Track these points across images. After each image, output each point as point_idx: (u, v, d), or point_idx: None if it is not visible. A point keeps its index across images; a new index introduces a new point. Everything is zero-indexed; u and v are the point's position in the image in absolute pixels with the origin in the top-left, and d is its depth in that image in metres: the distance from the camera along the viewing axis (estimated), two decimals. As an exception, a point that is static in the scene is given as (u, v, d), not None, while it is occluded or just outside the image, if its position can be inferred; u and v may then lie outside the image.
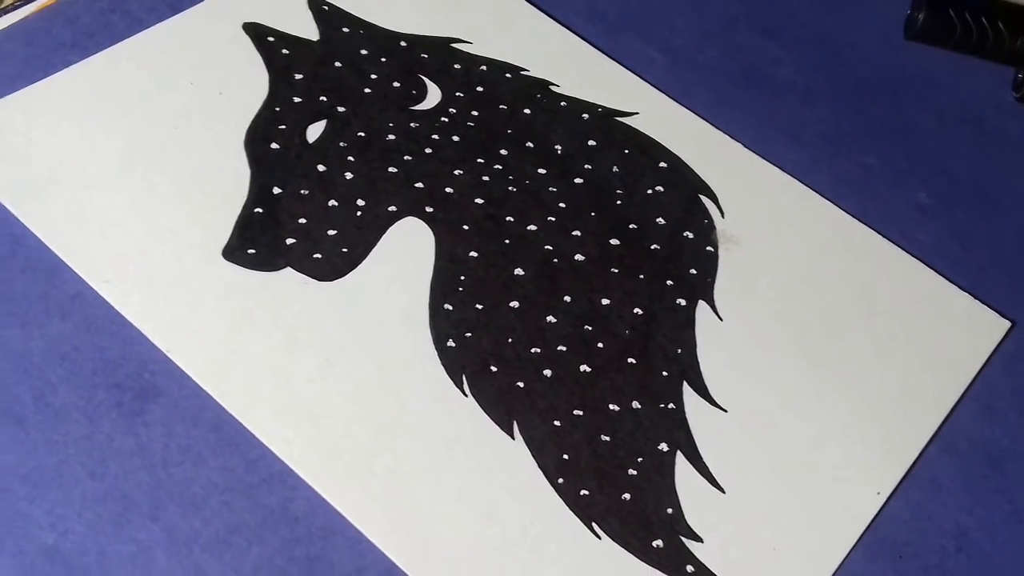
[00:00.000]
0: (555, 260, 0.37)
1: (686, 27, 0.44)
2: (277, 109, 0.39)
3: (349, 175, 0.37)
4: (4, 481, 0.29)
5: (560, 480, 0.32)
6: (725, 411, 0.34)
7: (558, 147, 0.40)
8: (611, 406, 0.34)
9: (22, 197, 0.35)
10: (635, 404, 0.34)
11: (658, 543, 0.31)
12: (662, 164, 0.40)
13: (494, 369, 0.34)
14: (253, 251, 0.35)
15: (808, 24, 0.45)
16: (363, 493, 0.31)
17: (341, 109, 0.39)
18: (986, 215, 0.41)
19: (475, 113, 0.40)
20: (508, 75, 0.42)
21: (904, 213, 0.40)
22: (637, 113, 0.41)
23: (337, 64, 0.40)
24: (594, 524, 0.31)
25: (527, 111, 0.41)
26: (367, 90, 0.40)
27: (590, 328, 0.35)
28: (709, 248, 0.38)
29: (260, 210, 0.36)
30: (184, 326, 0.33)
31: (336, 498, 0.31)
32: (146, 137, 0.37)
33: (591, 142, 0.40)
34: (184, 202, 0.36)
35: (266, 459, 0.31)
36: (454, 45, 0.42)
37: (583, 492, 0.32)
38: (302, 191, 0.37)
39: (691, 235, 0.38)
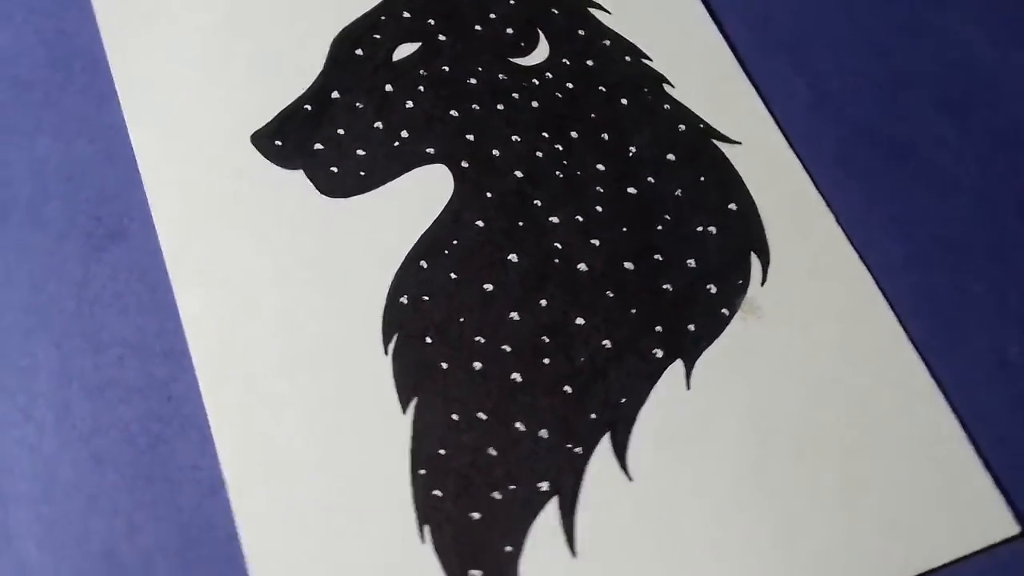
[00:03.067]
0: (556, 260, 0.35)
1: (855, 69, 0.39)
2: (382, 18, 0.40)
3: (410, 104, 0.38)
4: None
5: (422, 471, 0.32)
6: (630, 480, 0.32)
7: (632, 148, 0.38)
8: (517, 424, 0.33)
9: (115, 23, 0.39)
10: (543, 432, 0.33)
11: (475, 574, 0.30)
12: (732, 206, 0.37)
13: (428, 340, 0.34)
14: (280, 143, 0.37)
15: (1003, 113, 0.38)
16: (235, 399, 0.33)
17: (442, 38, 0.40)
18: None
19: (570, 86, 0.39)
20: (628, 58, 0.40)
21: (980, 360, 0.34)
22: (739, 143, 0.38)
23: (465, -9, 0.41)
24: (426, 527, 0.31)
25: (624, 101, 0.39)
26: (477, 27, 0.40)
27: (547, 341, 0.34)
28: (725, 311, 0.35)
29: (309, 107, 0.38)
30: (178, 185, 0.36)
31: (209, 392, 0.33)
32: (250, 5, 0.40)
33: (670, 156, 0.38)
34: (249, 75, 0.39)
35: (179, 335, 0.34)
36: (591, 9, 0.41)
37: (436, 492, 0.32)
38: (357, 103, 0.38)
39: (714, 289, 0.35)
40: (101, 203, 0.36)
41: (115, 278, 0.34)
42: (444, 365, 0.34)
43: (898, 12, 0.41)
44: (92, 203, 0.36)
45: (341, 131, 0.38)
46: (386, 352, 0.34)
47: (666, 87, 0.39)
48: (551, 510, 0.31)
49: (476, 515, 0.31)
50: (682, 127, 0.38)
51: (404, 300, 0.35)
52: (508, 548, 0.31)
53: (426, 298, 0.35)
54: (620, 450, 0.32)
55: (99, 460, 0.32)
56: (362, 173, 0.37)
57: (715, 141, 0.38)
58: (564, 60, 0.40)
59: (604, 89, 0.39)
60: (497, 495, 0.32)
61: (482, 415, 0.33)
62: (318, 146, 0.37)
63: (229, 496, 0.31)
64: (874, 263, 0.35)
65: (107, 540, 0.31)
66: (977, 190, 0.37)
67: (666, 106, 0.39)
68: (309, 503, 0.32)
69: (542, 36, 0.40)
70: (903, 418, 0.33)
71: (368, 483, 0.32)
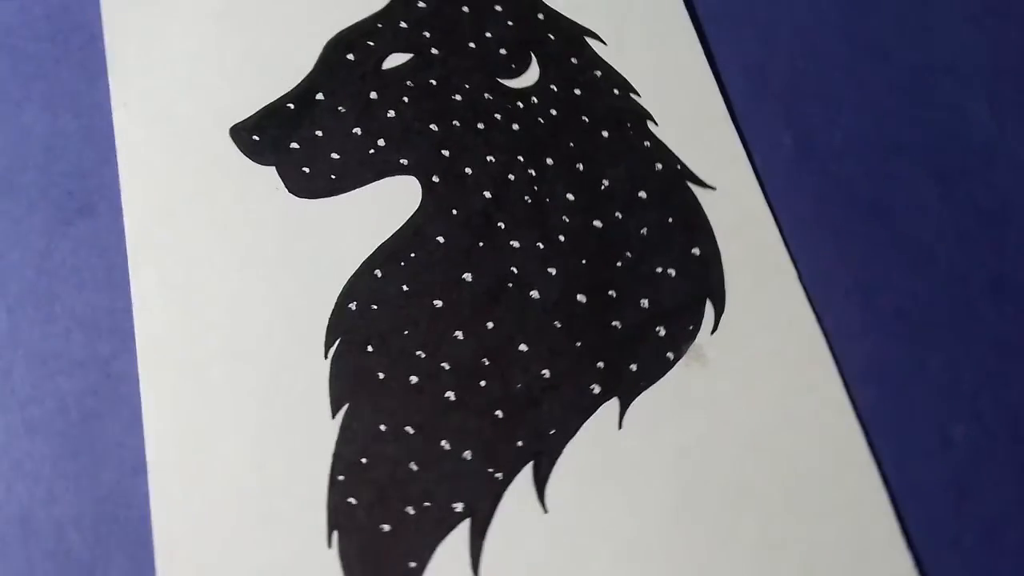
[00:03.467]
0: (510, 284, 0.36)
1: (845, 127, 0.39)
2: (379, 25, 0.41)
3: (391, 113, 0.39)
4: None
5: (340, 477, 0.32)
6: (546, 512, 0.32)
7: (605, 182, 0.38)
8: (443, 442, 0.33)
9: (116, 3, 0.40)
10: (466, 453, 0.33)
11: (375, 586, 0.31)
12: (695, 250, 0.36)
13: (370, 349, 0.34)
14: (257, 139, 0.38)
15: (993, 189, 0.38)
16: (170, 383, 0.33)
17: (435, 51, 0.40)
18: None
19: (553, 112, 0.39)
20: (616, 91, 0.40)
21: (923, 436, 0.33)
22: (714, 188, 0.38)
23: (464, 9, 0.41)
24: (335, 533, 0.31)
25: (604, 134, 0.39)
26: (471, 45, 0.40)
27: (487, 363, 0.34)
28: (670, 354, 0.34)
29: (292, 106, 0.39)
30: (150, 168, 0.37)
31: (146, 373, 0.33)
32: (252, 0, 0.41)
33: (641, 193, 0.37)
34: (240, 69, 0.39)
35: (128, 315, 0.34)
36: (588, 39, 0.41)
37: (350, 499, 0.32)
38: (340, 107, 0.39)
39: (663, 332, 0.35)
40: (76, 178, 0.37)
41: (76, 253, 0.35)
42: (381, 375, 0.34)
43: (900, 76, 0.40)
44: (68, 177, 0.37)
45: (319, 133, 0.38)
46: (325, 356, 0.34)
47: (650, 124, 0.39)
48: (462, 532, 0.31)
49: (387, 527, 0.31)
50: (659, 166, 0.38)
51: (352, 306, 0.35)
52: (412, 564, 0.31)
53: (375, 307, 0.35)
54: (541, 481, 0.32)
55: (30, 427, 0.33)
56: (333, 176, 0.37)
57: (690, 184, 0.38)
58: (552, 86, 0.40)
59: (587, 119, 0.39)
60: (410, 510, 0.32)
61: (410, 429, 0.33)
62: (294, 145, 0.38)
63: (148, 478, 0.32)
64: (831, 326, 0.35)
65: (25, 506, 0.32)
66: (950, 265, 0.36)
67: (646, 143, 0.39)
68: (225, 494, 0.32)
69: (534, 60, 0.40)
70: (833, 485, 0.32)
71: (286, 483, 0.32)
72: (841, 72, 0.40)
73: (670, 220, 0.37)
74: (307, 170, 0.37)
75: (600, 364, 0.34)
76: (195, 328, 0.34)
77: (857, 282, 0.36)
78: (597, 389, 0.34)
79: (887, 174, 0.38)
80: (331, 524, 0.31)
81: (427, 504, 0.32)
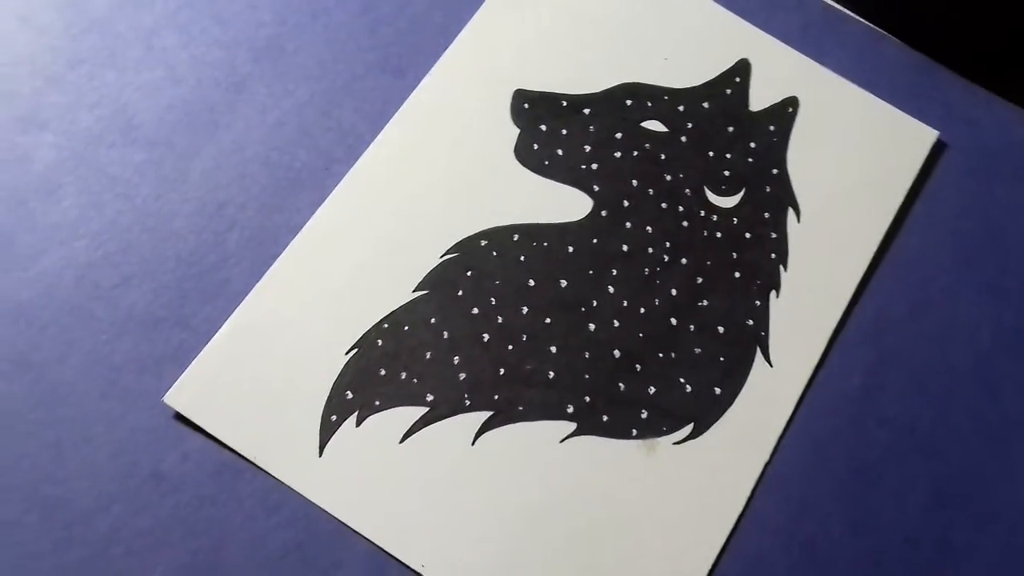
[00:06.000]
0: (582, 309, 0.47)
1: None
2: (665, 97, 0.52)
3: (617, 155, 0.50)
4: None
5: (385, 325, 0.45)
6: (472, 446, 0.43)
7: (704, 302, 0.48)
8: (456, 358, 0.45)
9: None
10: (461, 375, 0.45)
11: (349, 394, 0.44)
12: (717, 390, 0.46)
13: (468, 274, 0.47)
14: (527, 107, 0.51)
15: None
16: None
17: (683, 140, 0.51)
18: None
19: (718, 235, 0.49)
20: (772, 255, 0.49)
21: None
22: (771, 366, 0.46)
23: (730, 129, 0.52)
24: (355, 350, 0.45)
25: (737, 275, 0.48)
26: (711, 154, 0.51)
27: (524, 339, 0.46)
28: (635, 431, 0.44)
29: (565, 104, 0.51)
30: (512, 67, 0.51)
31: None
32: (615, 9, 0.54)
33: (719, 328, 0.47)
34: (563, 58, 0.53)
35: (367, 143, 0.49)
36: (791, 208, 0.50)
37: (379, 340, 0.45)
38: (591, 127, 0.51)
39: (644, 415, 0.45)
40: (407, 44, 0.52)
41: (362, 97, 0.50)
42: (459, 292, 0.46)
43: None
44: (403, 37, 0.51)
45: (564, 132, 0.51)
46: (440, 256, 0.47)
47: (773, 293, 0.48)
48: (418, 411, 0.44)
49: (383, 372, 0.44)
50: (750, 322, 0.47)
51: (483, 242, 0.48)
52: (376, 402, 0.44)
53: (495, 254, 0.47)
54: (484, 428, 0.44)
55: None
56: (546, 163, 0.50)
57: (758, 348, 0.47)
58: (735, 219, 0.50)
59: (735, 255, 0.49)
60: (403, 375, 0.44)
61: (445, 334, 0.46)
62: (543, 127, 0.51)
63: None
64: (752, 509, 0.43)
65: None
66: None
67: (757, 302, 0.48)
68: (339, 265, 0.46)
69: (742, 194, 0.50)
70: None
71: (363, 302, 0.46)
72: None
73: (721, 359, 0.46)
74: (536, 147, 0.50)
75: (587, 398, 0.45)
76: (396, 177, 0.48)
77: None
78: (571, 409, 0.45)
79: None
80: (357, 344, 0.45)
81: (415, 380, 0.44)
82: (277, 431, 0.43)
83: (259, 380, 0.44)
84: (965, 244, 0.49)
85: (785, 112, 0.52)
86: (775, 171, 0.51)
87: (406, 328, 0.45)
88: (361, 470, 0.43)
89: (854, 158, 0.51)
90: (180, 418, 0.42)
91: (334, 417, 0.43)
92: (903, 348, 0.47)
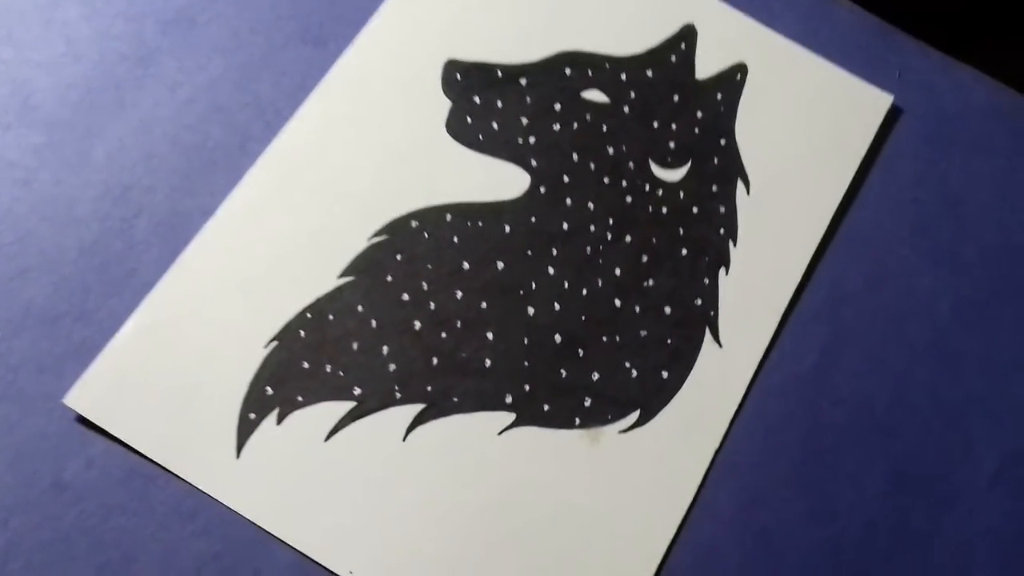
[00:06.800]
0: (520, 291, 0.44)
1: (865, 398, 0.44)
2: (607, 65, 0.50)
3: (556, 127, 0.48)
4: None
5: (308, 315, 0.43)
6: (403, 441, 0.41)
7: (650, 282, 0.45)
8: (385, 347, 0.42)
9: None
10: (391, 366, 0.42)
11: (268, 390, 0.41)
12: (664, 374, 0.43)
13: (398, 258, 0.44)
14: (459, 79, 0.48)
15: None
16: (266, 184, 0.45)
17: (626, 110, 0.49)
18: None
19: (664, 211, 0.47)
20: (721, 231, 0.47)
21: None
22: (720, 347, 0.44)
23: (675, 97, 0.50)
24: (275, 342, 0.42)
25: (683, 252, 0.46)
26: (655, 124, 0.49)
27: (458, 325, 0.43)
28: (577, 419, 0.42)
29: (500, 74, 0.49)
30: (382, 45, 0.49)
31: (262, 164, 0.45)
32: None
33: (666, 309, 0.45)
34: (496, 25, 0.50)
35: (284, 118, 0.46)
36: (740, 180, 0.48)
37: (301, 331, 0.42)
38: (528, 98, 0.48)
39: (588, 403, 0.42)
40: (330, 15, 0.49)
41: (284, 68, 0.47)
42: (389, 278, 0.44)
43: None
44: (325, 8, 0.49)
45: (499, 104, 0.48)
46: (367, 239, 0.44)
47: (722, 270, 0.46)
48: (344, 407, 0.41)
49: (306, 364, 0.42)
50: (698, 301, 0.45)
51: (413, 223, 0.45)
52: (299, 398, 0.41)
53: (426, 235, 0.45)
54: (416, 422, 0.41)
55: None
56: (480, 137, 0.47)
57: (708, 330, 0.45)
58: (681, 192, 0.47)
59: (681, 231, 0.47)
60: (328, 367, 0.42)
61: (374, 323, 0.43)
62: (476, 99, 0.48)
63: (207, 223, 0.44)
64: (703, 500, 0.41)
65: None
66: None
67: (705, 280, 0.46)
68: (241, 265, 0.43)
69: (688, 166, 0.48)
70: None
71: (281, 297, 0.43)
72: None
73: (668, 341, 0.44)
74: (469, 120, 0.48)
75: (527, 387, 0.42)
76: (317, 155, 0.46)
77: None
78: (509, 399, 0.42)
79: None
80: (277, 336, 0.42)
81: (340, 373, 0.42)
82: (190, 432, 0.40)
83: (169, 377, 0.41)
84: (923, 213, 0.47)
85: (733, 79, 0.50)
86: (723, 141, 0.49)
87: (331, 317, 0.43)
88: (283, 471, 0.40)
89: (806, 126, 0.49)
90: (83, 421, 0.40)
91: (252, 415, 0.41)
92: (859, 324, 0.45)
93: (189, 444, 0.40)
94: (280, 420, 0.41)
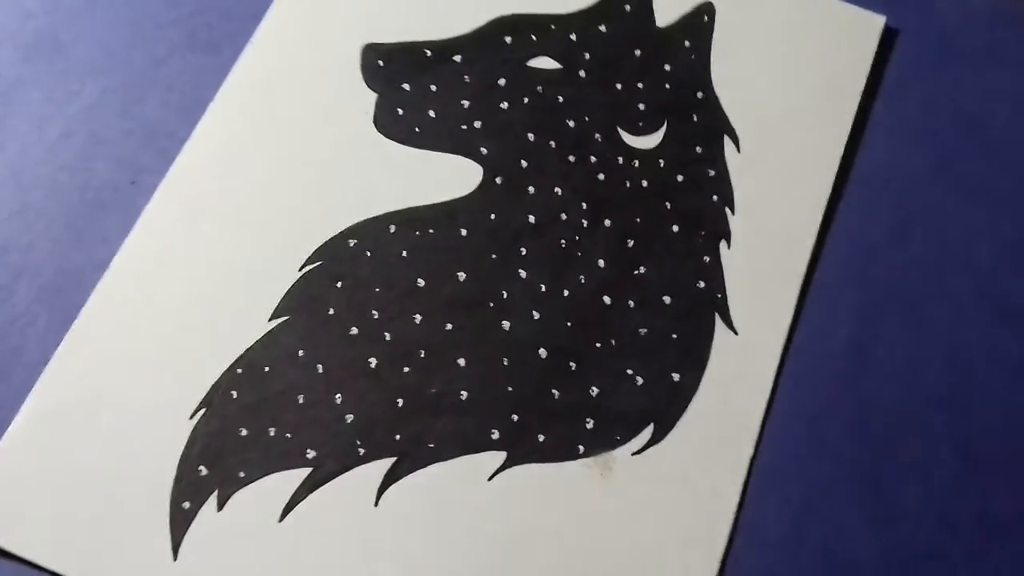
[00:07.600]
0: (491, 304, 0.37)
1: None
2: (552, 27, 0.43)
3: (505, 105, 0.41)
4: None
5: (239, 370, 0.35)
6: (375, 506, 0.34)
7: (642, 269, 0.38)
8: (338, 396, 0.35)
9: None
10: (349, 417, 0.35)
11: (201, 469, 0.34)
12: (675, 376, 0.37)
13: (338, 285, 0.37)
14: (382, 65, 0.41)
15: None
16: (176, 207, 0.38)
17: (582, 74, 0.42)
18: None
19: (644, 184, 0.40)
20: (714, 197, 0.40)
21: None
22: (736, 334, 0.37)
23: (636, 52, 0.43)
24: (203, 410, 0.35)
25: (675, 228, 0.39)
26: (619, 86, 0.42)
27: (422, 355, 0.36)
28: (581, 447, 0.35)
29: (428, 53, 0.42)
30: (282, 43, 0.41)
31: (168, 183, 0.38)
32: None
33: (666, 298, 0.38)
34: (414, 5, 0.43)
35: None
36: (727, 137, 0.42)
37: (233, 392, 0.35)
38: (466, 76, 0.41)
39: (590, 425, 0.35)
40: (223, 19, 0.42)
41: (180, 75, 0.40)
42: (331, 311, 0.37)
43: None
44: (215, 13, 0.42)
45: (434, 88, 0.41)
46: (300, 268, 0.37)
47: (723, 244, 0.39)
48: (298, 476, 0.34)
49: (244, 432, 0.35)
50: (701, 284, 0.38)
51: (351, 243, 0.38)
52: (241, 474, 0.34)
53: (368, 253, 0.38)
54: (390, 479, 0.34)
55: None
56: (417, 129, 0.40)
57: (718, 317, 0.38)
58: (661, 160, 0.41)
59: (669, 206, 0.40)
60: (272, 431, 0.35)
61: (320, 368, 0.36)
62: (405, 86, 0.41)
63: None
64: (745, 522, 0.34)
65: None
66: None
67: (706, 258, 0.39)
68: (149, 325, 0.36)
69: (664, 129, 0.41)
70: None
71: (194, 349, 0.36)
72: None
73: (674, 336, 0.37)
74: (400, 112, 0.41)
75: (515, 417, 0.36)
76: (224, 179, 0.39)
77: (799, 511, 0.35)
78: (496, 435, 0.35)
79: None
80: (204, 401, 0.35)
81: (287, 435, 0.35)
82: (113, 537, 0.33)
83: (78, 474, 0.34)
84: (941, 145, 0.41)
85: (700, 22, 0.43)
86: (700, 95, 0.42)
87: (267, 369, 0.36)
88: (233, 567, 0.33)
89: (792, 64, 0.42)
90: (-25, 545, 0.32)
91: (187, 504, 0.34)
92: (891, 283, 0.39)
93: (112, 553, 0.33)
94: (221, 505, 0.34)
